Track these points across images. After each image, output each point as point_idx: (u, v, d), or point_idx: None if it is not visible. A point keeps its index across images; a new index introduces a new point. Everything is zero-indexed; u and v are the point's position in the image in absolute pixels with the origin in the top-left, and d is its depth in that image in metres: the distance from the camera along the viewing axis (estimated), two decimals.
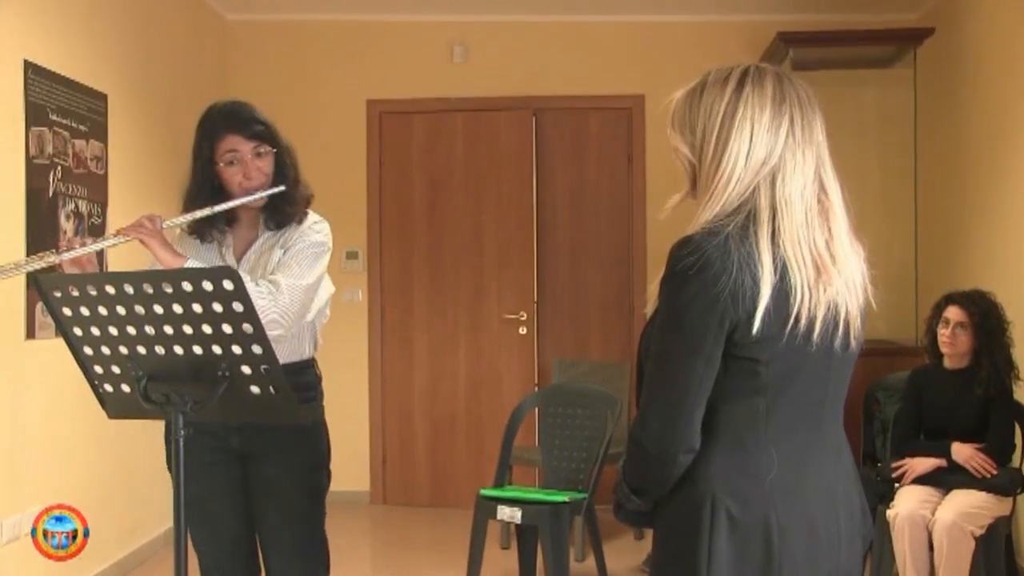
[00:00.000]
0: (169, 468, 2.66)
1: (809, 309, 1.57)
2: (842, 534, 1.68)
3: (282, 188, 2.67)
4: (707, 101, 1.63)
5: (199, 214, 2.62)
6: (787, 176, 1.59)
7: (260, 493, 2.67)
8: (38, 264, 2.45)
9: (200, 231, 2.71)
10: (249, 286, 2.41)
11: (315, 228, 2.71)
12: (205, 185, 2.66)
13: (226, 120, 2.65)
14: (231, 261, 2.70)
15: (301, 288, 2.57)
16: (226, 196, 2.65)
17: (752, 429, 1.61)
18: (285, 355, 2.61)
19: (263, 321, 2.40)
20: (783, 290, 1.56)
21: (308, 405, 2.68)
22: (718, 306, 1.53)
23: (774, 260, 1.56)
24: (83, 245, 2.45)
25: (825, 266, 1.59)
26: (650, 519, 1.71)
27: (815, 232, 1.60)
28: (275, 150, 2.69)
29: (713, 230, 1.57)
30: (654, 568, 1.73)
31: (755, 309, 1.53)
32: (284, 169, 2.70)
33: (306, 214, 2.74)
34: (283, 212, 2.69)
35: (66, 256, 2.43)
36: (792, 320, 1.56)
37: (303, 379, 2.69)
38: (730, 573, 1.58)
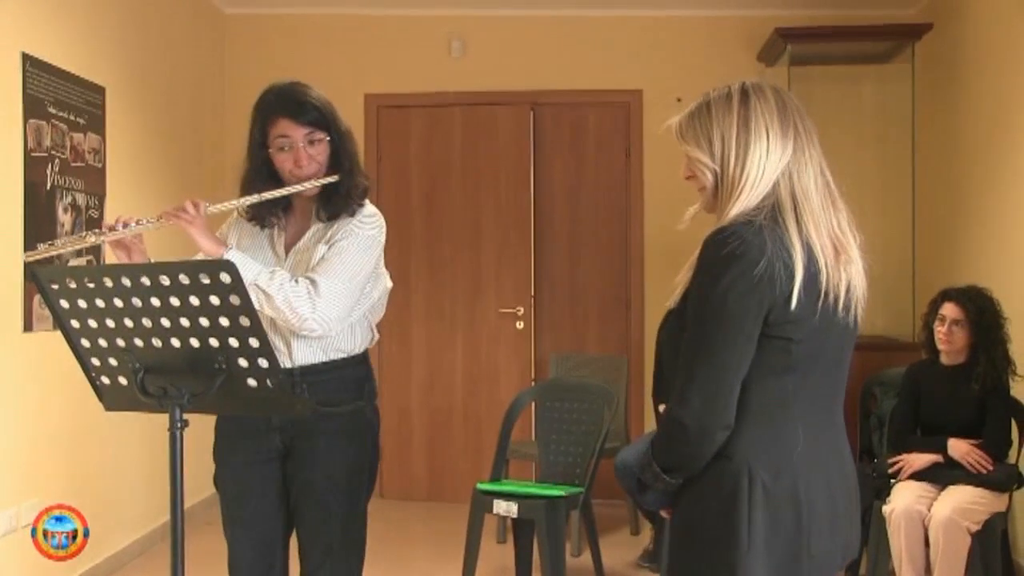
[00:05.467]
0: (216, 485, 2.65)
1: (835, 286, 1.74)
2: (852, 507, 1.85)
3: (335, 178, 2.54)
4: (718, 115, 1.81)
5: (244, 201, 2.53)
6: (801, 171, 1.78)
7: (299, 492, 2.59)
8: (80, 244, 2.47)
9: (257, 216, 2.62)
10: (286, 287, 2.40)
11: (364, 221, 2.57)
12: (261, 170, 2.57)
13: (280, 103, 2.54)
14: (280, 251, 2.61)
15: (342, 291, 2.46)
16: (283, 182, 2.56)
17: (782, 406, 1.74)
18: (330, 351, 2.59)
19: (299, 325, 2.42)
20: (812, 270, 1.72)
21: (354, 404, 2.63)
22: (757, 288, 1.68)
23: (802, 244, 1.72)
24: (125, 226, 2.39)
25: (844, 247, 1.78)
26: (671, 500, 1.82)
27: (832, 218, 1.79)
28: (330, 137, 2.56)
29: (747, 220, 1.72)
30: (679, 548, 1.80)
31: (791, 289, 1.69)
32: (339, 158, 2.57)
33: (361, 206, 2.60)
34: (335, 203, 2.56)
35: (109, 237, 2.39)
36: (823, 296, 1.72)
37: (348, 374, 2.64)
38: (765, 543, 1.69)
